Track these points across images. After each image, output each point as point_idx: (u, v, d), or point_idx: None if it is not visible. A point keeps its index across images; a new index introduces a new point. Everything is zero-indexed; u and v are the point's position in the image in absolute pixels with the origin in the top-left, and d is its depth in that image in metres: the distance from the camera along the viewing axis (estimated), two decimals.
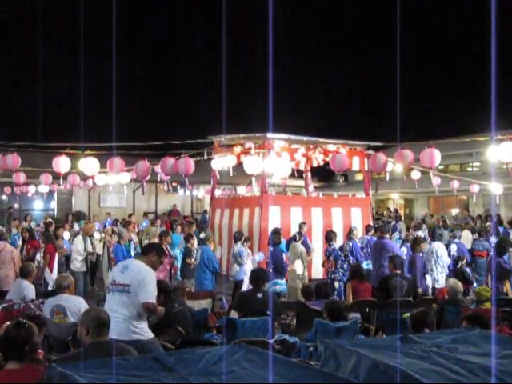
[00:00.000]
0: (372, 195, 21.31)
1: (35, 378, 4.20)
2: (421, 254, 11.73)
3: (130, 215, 22.01)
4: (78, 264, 12.88)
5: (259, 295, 7.98)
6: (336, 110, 56.17)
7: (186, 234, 13.49)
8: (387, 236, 12.92)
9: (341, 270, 12.59)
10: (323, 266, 13.69)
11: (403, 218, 32.60)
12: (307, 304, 9.28)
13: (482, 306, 8.79)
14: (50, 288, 12.14)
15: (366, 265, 13.11)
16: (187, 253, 12.76)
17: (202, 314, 8.47)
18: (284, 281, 12.28)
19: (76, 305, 7.42)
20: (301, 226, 14.33)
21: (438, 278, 12.40)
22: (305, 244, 13.71)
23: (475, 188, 20.38)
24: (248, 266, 12.90)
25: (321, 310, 7.85)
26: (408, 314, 8.16)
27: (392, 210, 33.62)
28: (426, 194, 35.13)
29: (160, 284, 7.66)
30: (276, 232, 13.28)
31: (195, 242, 13.20)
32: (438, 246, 12.84)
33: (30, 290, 8.69)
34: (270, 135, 16.94)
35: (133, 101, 47.61)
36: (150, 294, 5.95)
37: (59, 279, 8.14)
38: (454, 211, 34.21)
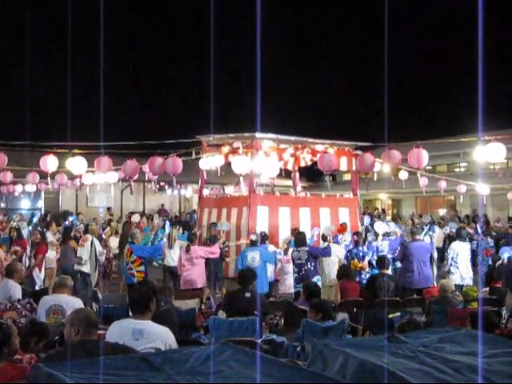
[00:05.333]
0: (360, 195, 21.36)
1: (15, 377, 4.18)
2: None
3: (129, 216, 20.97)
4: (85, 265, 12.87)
5: (247, 295, 7.99)
6: (324, 110, 56.28)
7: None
8: (418, 237, 13.07)
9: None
10: (353, 266, 13.80)
11: (390, 217, 32.70)
12: (295, 304, 9.30)
13: (469, 305, 8.84)
14: (37, 287, 12.09)
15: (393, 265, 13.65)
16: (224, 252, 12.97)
17: (189, 313, 8.45)
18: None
19: (76, 306, 7.41)
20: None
21: (464, 276, 12.80)
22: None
23: (462, 188, 20.48)
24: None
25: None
26: (394, 315, 8.22)
27: (380, 209, 33.74)
28: (414, 194, 35.23)
29: (146, 283, 7.66)
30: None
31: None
32: (460, 246, 13.07)
33: (16, 289, 8.63)
34: (258, 135, 16.95)
35: (121, 100, 47.46)
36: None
37: (60, 279, 8.14)
38: (442, 211, 34.36)
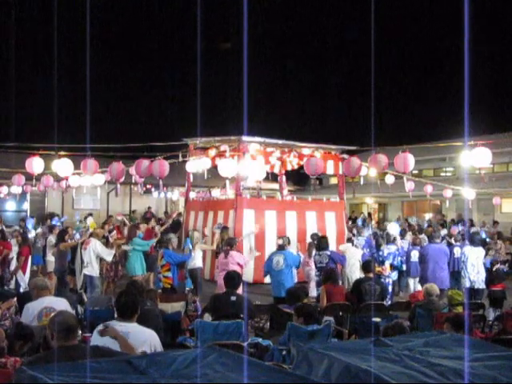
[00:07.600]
0: (347, 199, 21.41)
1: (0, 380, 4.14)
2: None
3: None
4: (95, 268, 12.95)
5: (233, 298, 7.97)
6: (311, 115, 56.44)
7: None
8: (437, 241, 13.41)
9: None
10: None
11: (377, 222, 32.82)
12: (280, 307, 9.29)
13: (454, 309, 8.87)
14: (21, 290, 12.02)
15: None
16: None
17: (175, 316, 8.42)
18: None
19: (65, 306, 7.36)
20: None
21: (473, 279, 12.82)
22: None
23: (448, 193, 20.60)
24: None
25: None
26: (379, 319, 8.24)
27: (366, 213, 33.85)
28: (400, 199, 35.35)
29: (134, 283, 7.64)
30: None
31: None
32: (470, 251, 13.12)
33: None
34: (245, 138, 16.94)
35: (107, 102, 47.33)
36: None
37: (39, 281, 8.03)
38: (428, 215, 34.49)
